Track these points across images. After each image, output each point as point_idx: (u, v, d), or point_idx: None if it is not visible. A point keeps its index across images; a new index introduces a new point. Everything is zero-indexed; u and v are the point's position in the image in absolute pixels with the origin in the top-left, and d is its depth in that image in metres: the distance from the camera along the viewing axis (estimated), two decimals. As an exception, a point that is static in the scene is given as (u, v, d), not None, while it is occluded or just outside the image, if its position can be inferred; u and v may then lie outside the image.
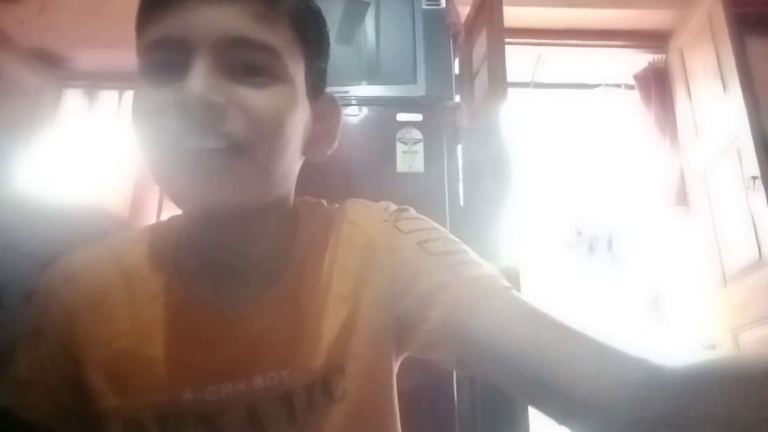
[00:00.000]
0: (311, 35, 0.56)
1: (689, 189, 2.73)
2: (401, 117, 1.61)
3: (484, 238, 1.74)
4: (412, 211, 0.63)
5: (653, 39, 2.88)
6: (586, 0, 2.72)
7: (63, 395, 0.56)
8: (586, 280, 4.14)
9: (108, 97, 3.01)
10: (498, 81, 1.92)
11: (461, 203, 1.79)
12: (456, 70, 1.94)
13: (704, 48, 2.53)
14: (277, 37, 0.51)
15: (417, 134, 1.60)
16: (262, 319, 0.55)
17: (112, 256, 0.59)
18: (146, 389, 0.53)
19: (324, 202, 0.66)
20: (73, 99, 2.96)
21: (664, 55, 2.91)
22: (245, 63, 0.49)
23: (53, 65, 2.78)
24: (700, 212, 2.62)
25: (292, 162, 0.55)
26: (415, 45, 1.75)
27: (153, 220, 2.84)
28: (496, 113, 1.87)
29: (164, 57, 0.49)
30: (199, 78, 0.46)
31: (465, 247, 0.59)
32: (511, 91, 1.99)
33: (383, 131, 1.61)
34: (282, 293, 0.56)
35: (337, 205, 0.64)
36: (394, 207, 0.63)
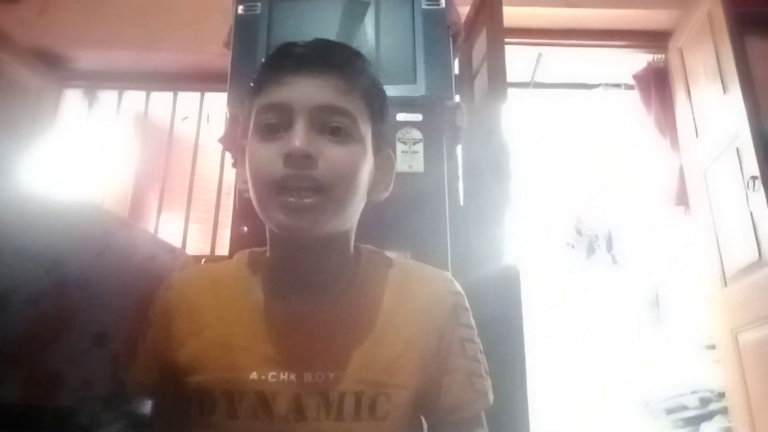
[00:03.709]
0: (377, 106, 0.74)
1: (689, 189, 2.73)
2: (401, 117, 1.60)
3: (484, 237, 1.74)
4: (465, 300, 0.78)
5: (653, 39, 2.87)
6: (586, 0, 2.72)
7: (155, 371, 0.74)
8: (586, 280, 4.14)
9: (108, 97, 3.01)
10: (498, 81, 1.92)
11: (461, 203, 1.79)
12: (456, 70, 1.94)
13: (704, 48, 2.53)
14: (354, 105, 0.69)
15: (417, 134, 1.60)
16: (319, 326, 0.70)
17: (205, 271, 0.82)
18: (221, 368, 0.68)
19: (383, 251, 0.81)
20: (73, 99, 2.96)
21: (663, 55, 2.91)
22: (331, 124, 0.67)
23: (53, 65, 2.78)
24: (700, 212, 2.62)
25: (360, 201, 0.72)
26: (414, 45, 1.74)
27: (153, 220, 2.84)
28: (496, 113, 1.87)
29: (273, 117, 0.67)
30: (300, 135, 0.65)
31: (482, 355, 0.76)
32: (511, 91, 1.98)
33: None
34: (340, 310, 0.71)
35: (396, 256, 0.81)
36: (457, 287, 0.78)
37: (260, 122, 0.68)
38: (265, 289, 0.73)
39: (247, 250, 0.80)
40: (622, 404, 3.47)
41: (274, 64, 0.70)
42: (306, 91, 0.67)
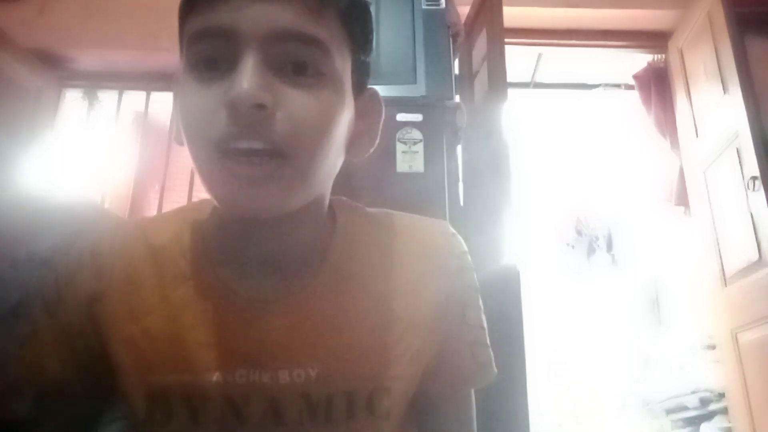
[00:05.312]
0: (359, 29, 0.54)
1: (689, 189, 2.73)
2: (401, 117, 1.61)
3: (484, 238, 1.74)
4: (469, 259, 0.63)
5: (653, 39, 2.87)
6: (586, 0, 2.71)
7: (68, 357, 0.57)
8: (586, 279, 4.14)
9: (108, 97, 3.01)
10: (498, 81, 1.92)
11: (461, 203, 1.79)
12: (456, 70, 1.94)
13: (704, 48, 2.53)
14: (326, 31, 0.49)
15: (417, 134, 1.60)
16: (292, 313, 0.54)
17: (140, 234, 0.59)
18: (174, 369, 0.53)
19: (362, 206, 0.63)
20: (73, 99, 2.96)
21: (663, 55, 2.90)
22: (293, 59, 0.48)
23: (53, 65, 2.77)
24: (700, 212, 2.62)
25: (335, 163, 0.54)
26: (414, 45, 1.75)
27: (153, 220, 2.84)
28: (496, 113, 1.87)
29: (211, 49, 0.48)
30: (248, 75, 0.45)
31: (484, 322, 0.63)
32: (511, 91, 1.99)
33: (383, 131, 1.60)
34: (317, 291, 0.55)
35: (380, 211, 0.63)
36: (460, 246, 0.62)
37: (194, 55, 0.49)
38: (222, 266, 0.55)
39: (190, 207, 0.61)
40: (622, 404, 3.47)
41: None
42: (259, 10, 0.47)
